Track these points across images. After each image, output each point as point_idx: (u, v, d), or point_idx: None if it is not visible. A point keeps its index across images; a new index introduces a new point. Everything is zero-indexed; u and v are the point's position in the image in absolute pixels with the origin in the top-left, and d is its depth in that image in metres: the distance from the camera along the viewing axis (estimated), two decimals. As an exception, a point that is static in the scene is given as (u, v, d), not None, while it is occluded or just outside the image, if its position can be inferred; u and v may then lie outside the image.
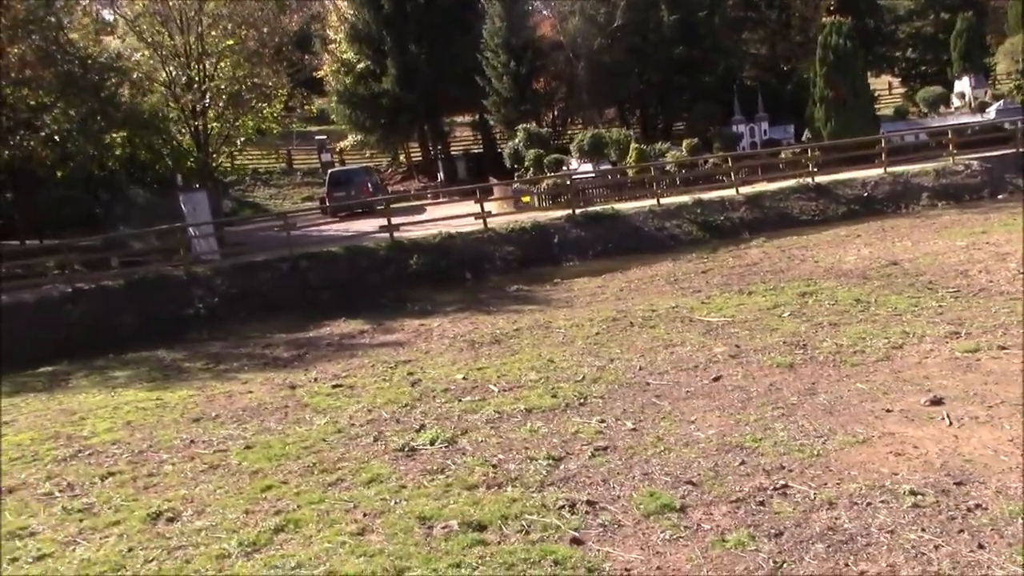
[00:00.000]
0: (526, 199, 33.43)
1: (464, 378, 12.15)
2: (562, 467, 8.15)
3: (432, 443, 9.27)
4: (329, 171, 43.90)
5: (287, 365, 15.30)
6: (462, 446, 9.13)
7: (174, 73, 31.08)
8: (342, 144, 54.00)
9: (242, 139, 35.09)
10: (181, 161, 32.05)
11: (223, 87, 31.46)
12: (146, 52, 30.76)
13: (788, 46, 57.04)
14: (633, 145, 36.51)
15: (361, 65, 50.96)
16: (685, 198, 31.51)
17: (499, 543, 6.61)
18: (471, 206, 33.96)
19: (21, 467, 10.31)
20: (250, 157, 53.66)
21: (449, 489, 7.85)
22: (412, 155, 56.42)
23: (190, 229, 28.42)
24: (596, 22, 46.94)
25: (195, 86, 30.86)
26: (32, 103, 28.31)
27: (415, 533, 6.95)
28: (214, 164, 34.22)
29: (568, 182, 33.77)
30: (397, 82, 48.78)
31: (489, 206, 34.92)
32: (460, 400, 11.01)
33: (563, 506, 7.16)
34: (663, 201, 30.95)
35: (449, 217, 30.54)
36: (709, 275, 19.65)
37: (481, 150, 55.25)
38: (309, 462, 9.11)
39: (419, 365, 13.57)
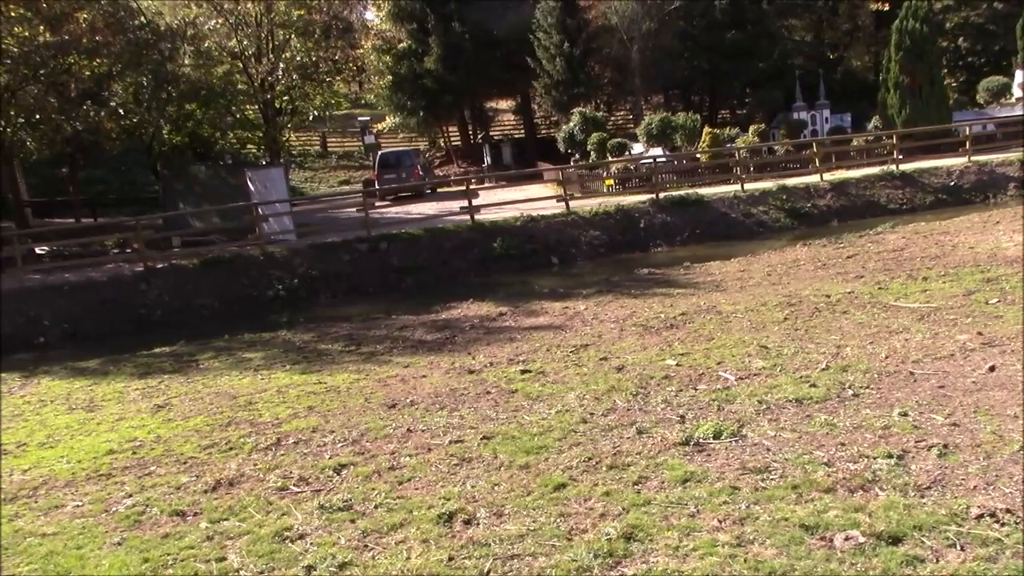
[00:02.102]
0: (609, 182, 32.25)
1: (677, 364, 11.02)
2: (915, 467, 7.02)
3: (716, 436, 8.14)
4: (379, 152, 42.66)
5: (441, 348, 14.14)
6: (755, 440, 8.00)
7: (244, 43, 29.77)
8: (379, 127, 52.77)
9: (313, 115, 33.81)
10: (248, 136, 30.79)
11: (298, 58, 30.18)
12: (218, 20, 29.42)
13: (835, 34, 55.91)
14: (707, 130, 35.38)
15: (403, 44, 49.69)
16: (767, 184, 30.42)
17: (936, 560, 5.49)
18: (539, 189, 32.89)
19: (222, 456, 9.18)
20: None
21: (799, 491, 6.72)
22: (451, 139, 55.20)
23: (262, 208, 27.19)
24: (648, 4, 45.74)
25: (265, 58, 29.57)
26: (97, 72, 27.06)
27: (810, 544, 5.83)
28: (282, 140, 32.94)
29: (644, 167, 32.64)
30: (440, 62, 47.59)
31: (549, 190, 33.86)
32: (695, 388, 9.89)
33: (980, 515, 6.03)
34: (746, 187, 29.87)
35: (520, 200, 29.39)
36: (859, 260, 18.54)
37: (523, 135, 54.08)
38: (582, 456, 7.98)
39: (605, 350, 12.43)
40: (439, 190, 41.84)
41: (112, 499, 8.29)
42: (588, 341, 13.23)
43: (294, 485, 8.05)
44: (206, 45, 29.24)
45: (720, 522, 6.34)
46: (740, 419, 8.64)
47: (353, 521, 7.04)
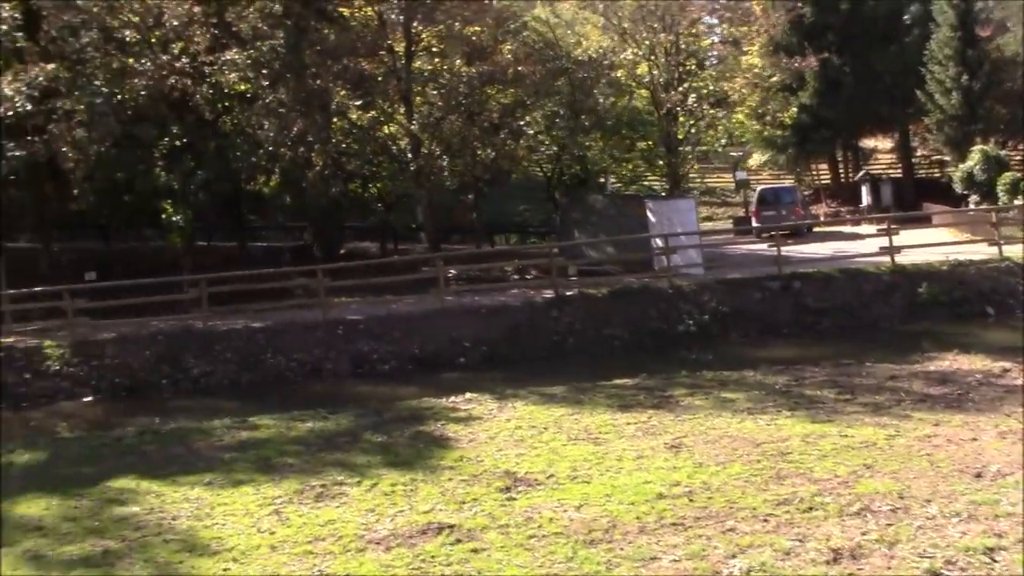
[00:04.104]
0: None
1: None
2: None
3: None
4: (758, 189, 41.25)
5: (958, 406, 12.54)
6: None
7: (654, 72, 29.62)
8: (746, 163, 51.34)
9: (719, 145, 33.21)
10: (644, 167, 30.62)
11: (709, 87, 29.67)
12: (632, 51, 29.51)
13: None
14: None
15: (774, 78, 48.03)
16: None
17: None
18: (939, 233, 30.30)
19: (805, 517, 8.18)
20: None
21: None
22: (819, 177, 52.74)
23: (657, 240, 26.62)
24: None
25: (676, 87, 29.24)
26: (512, 102, 27.83)
27: None
28: (682, 172, 32.55)
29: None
30: (816, 96, 45.42)
31: (950, 234, 30.95)
32: None
33: None
34: None
35: (935, 244, 26.84)
36: None
37: (899, 173, 50.65)
38: None
39: None
40: (815, 229, 39.71)
41: (711, 557, 7.55)
42: None
43: (944, 568, 6.87)
44: (617, 74, 29.33)
45: None
46: None
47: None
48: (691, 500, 9.06)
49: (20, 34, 23.24)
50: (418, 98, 28.39)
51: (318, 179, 26.71)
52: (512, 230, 37.03)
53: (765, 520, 8.32)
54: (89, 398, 21.17)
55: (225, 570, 8.30)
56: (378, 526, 9.11)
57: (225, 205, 31.54)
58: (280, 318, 24.68)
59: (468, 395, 15.75)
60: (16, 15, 23.44)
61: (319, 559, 8.35)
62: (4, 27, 23.01)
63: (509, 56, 26.42)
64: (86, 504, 10.88)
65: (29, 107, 22.22)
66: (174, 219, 26.43)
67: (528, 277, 29.02)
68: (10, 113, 22.27)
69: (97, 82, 24.75)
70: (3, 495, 11.43)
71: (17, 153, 22.76)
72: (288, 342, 23.67)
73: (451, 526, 8.83)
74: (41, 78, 22.54)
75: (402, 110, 27.98)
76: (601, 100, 27.67)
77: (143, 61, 25.22)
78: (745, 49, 51.22)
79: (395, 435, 13.16)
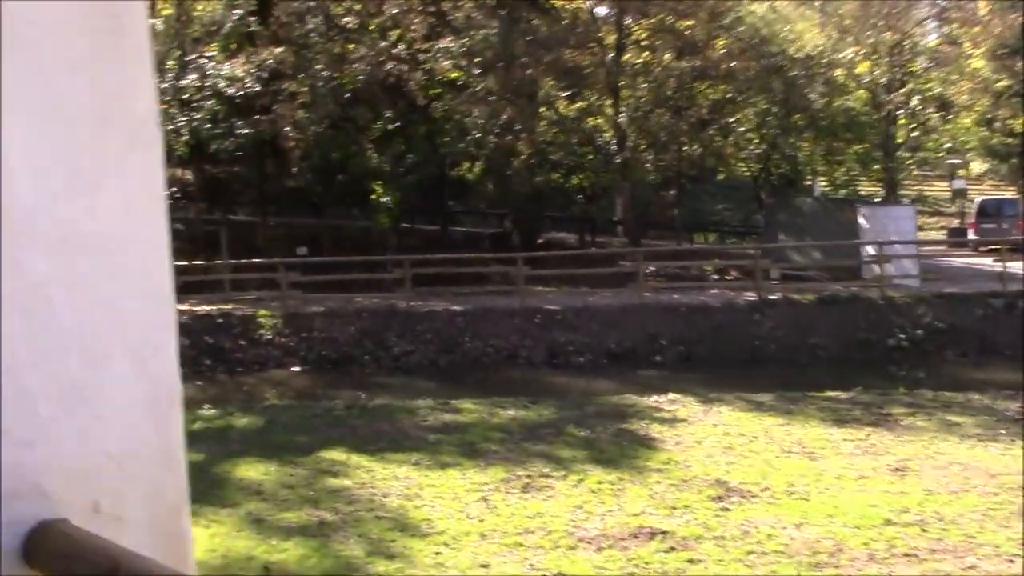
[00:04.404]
0: None
1: None
2: None
3: None
4: (979, 199, 38.75)
5: None
6: None
7: (875, 72, 28.28)
8: (963, 172, 48.38)
9: (940, 151, 31.49)
10: (866, 171, 29.28)
11: (935, 89, 28.11)
12: (852, 49, 28.29)
13: None
14: None
15: (1001, 83, 44.98)
16: None
17: None
18: None
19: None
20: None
21: None
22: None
23: (869, 248, 25.37)
24: None
25: (898, 88, 27.80)
26: (721, 98, 27.15)
27: None
28: (898, 178, 31.02)
29: None
30: (1051, 101, 42.17)
31: None
32: None
33: None
34: None
35: None
36: None
37: None
38: None
39: None
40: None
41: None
42: None
43: None
44: (835, 74, 28.16)
45: None
46: None
47: None
48: (923, 530, 8.47)
49: (253, 19, 24.45)
50: (625, 91, 28.13)
51: (523, 167, 26.91)
52: (710, 229, 36.27)
53: (1010, 561, 7.67)
54: (297, 368, 22.03)
55: (437, 554, 8.35)
56: (587, 524, 8.97)
57: (429, 189, 32.26)
58: (479, 303, 24.99)
59: (671, 395, 15.44)
60: (251, 1, 24.69)
61: (529, 553, 8.28)
62: (240, 12, 24.27)
63: (722, 51, 25.76)
64: (301, 473, 11.24)
65: (258, 88, 23.41)
66: (383, 200, 27.22)
67: (728, 278, 28.33)
68: (240, 93, 23.50)
69: (319, 66, 25.75)
70: (224, 457, 11.98)
71: (245, 131, 23.98)
72: (486, 327, 23.95)
73: (663, 532, 8.59)
74: (270, 61, 23.65)
75: (609, 102, 27.78)
76: (815, 99, 26.59)
77: (362, 47, 26.04)
78: (969, 52, 48.34)
79: (598, 430, 13.00)
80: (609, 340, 23.42)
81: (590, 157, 29.58)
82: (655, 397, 15.45)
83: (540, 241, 30.96)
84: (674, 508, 9.38)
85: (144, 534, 1.96)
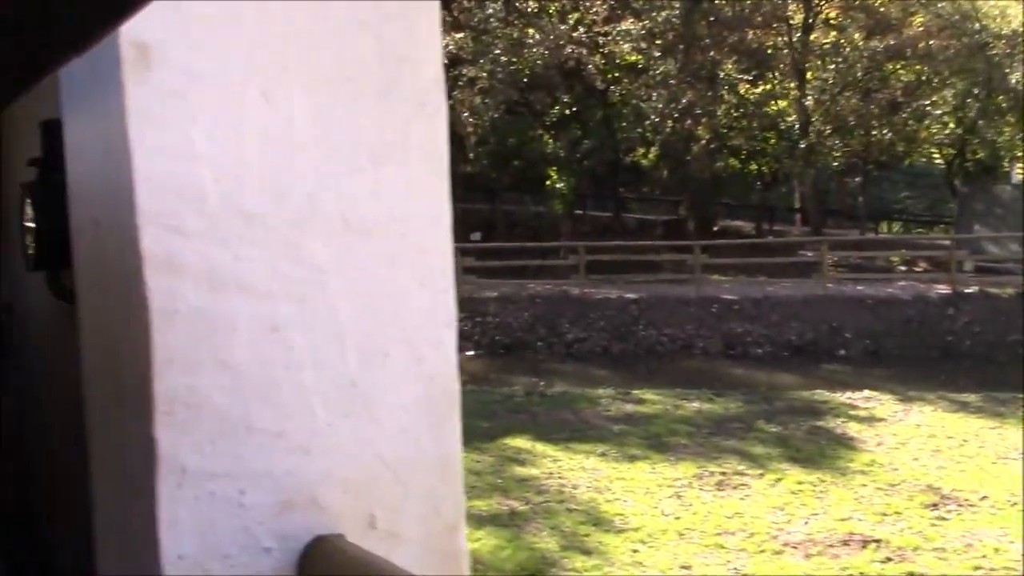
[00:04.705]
0: None
1: None
2: None
3: None
4: None
5: None
6: None
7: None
8: None
9: None
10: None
11: None
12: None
13: None
14: None
15: None
16: None
17: None
18: None
19: None
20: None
21: None
22: None
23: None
24: None
25: None
26: (908, 79, 25.69)
27: None
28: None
29: None
30: None
31: None
32: None
33: None
34: None
35: None
36: None
37: None
38: None
39: None
40: None
41: None
42: None
43: None
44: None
45: None
46: None
47: None
48: None
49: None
50: (811, 72, 26.96)
51: (702, 153, 26.20)
52: (893, 217, 34.46)
53: None
54: (471, 352, 22.19)
55: (634, 552, 8.08)
56: (791, 528, 8.52)
57: (602, 175, 31.90)
58: (652, 291, 24.61)
59: (866, 393, 14.65)
60: (439, -12, 24.86)
61: (732, 555, 7.91)
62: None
63: (919, 28, 24.26)
64: (487, 459, 11.18)
65: (439, 74, 23.58)
66: (557, 186, 27.05)
67: (917, 269, 26.90)
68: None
69: (497, 51, 25.74)
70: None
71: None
72: (660, 316, 23.54)
73: (876, 540, 8.06)
74: (450, 46, 23.77)
75: (794, 85, 26.68)
76: (1020, 79, 24.73)
77: (541, 31, 25.87)
78: None
79: (790, 427, 12.43)
80: (789, 332, 22.68)
81: (772, 142, 28.52)
82: (848, 394, 14.70)
83: (716, 229, 30.14)
84: (884, 514, 8.81)
85: (419, 552, 1.71)
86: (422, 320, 1.91)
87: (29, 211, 2.57)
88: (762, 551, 7.96)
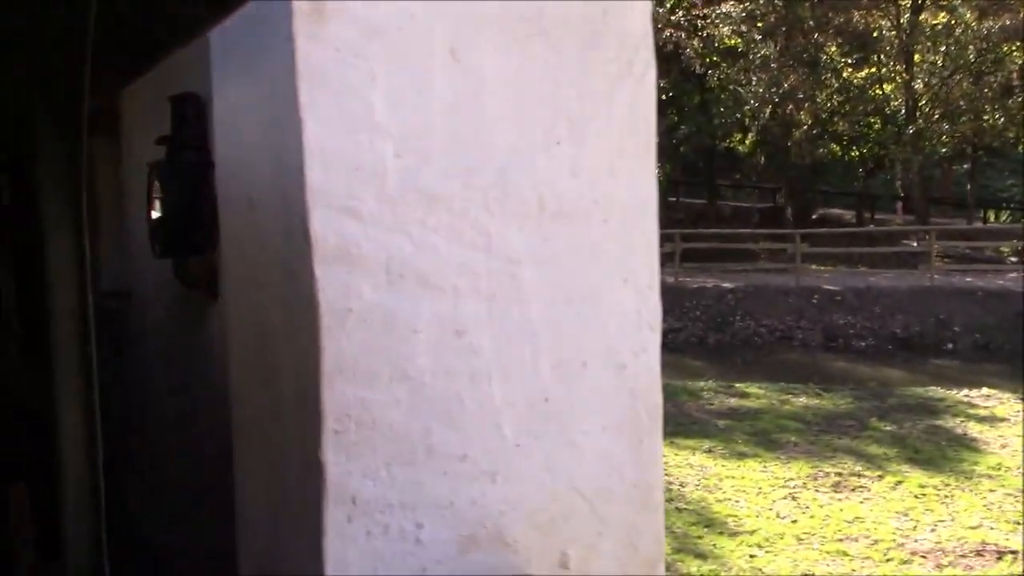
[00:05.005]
0: None
1: None
2: None
3: None
4: None
5: None
6: None
7: None
8: None
9: None
10: None
11: None
12: None
13: None
14: None
15: None
16: None
17: None
18: None
19: None
20: None
21: None
22: None
23: None
24: None
25: None
26: (1022, 62, 24.55)
27: None
28: None
29: None
30: None
31: None
32: None
33: None
34: None
35: None
36: None
37: None
38: None
39: None
40: None
41: None
42: None
43: None
44: None
45: None
46: None
47: None
48: None
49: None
50: (918, 56, 25.93)
51: (803, 139, 25.41)
52: (1001, 206, 33.03)
53: None
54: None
55: (751, 557, 7.70)
56: (917, 535, 8.02)
57: (696, 161, 31.29)
58: (749, 280, 24.10)
59: (985, 390, 13.92)
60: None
61: (856, 563, 7.47)
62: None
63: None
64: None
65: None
66: (653, 172, 26.57)
67: (1027, 261, 25.77)
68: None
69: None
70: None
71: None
72: (758, 306, 23.02)
73: (1013, 552, 7.53)
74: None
75: (901, 68, 25.70)
76: None
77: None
78: None
79: (907, 426, 11.83)
80: (894, 324, 22.00)
81: (876, 128, 27.55)
82: (965, 391, 14.00)
83: (814, 217, 29.27)
84: (1017, 523, 8.25)
85: (613, 596, 1.28)
86: (624, 322, 1.64)
87: (155, 193, 2.33)
88: (888, 559, 7.50)
